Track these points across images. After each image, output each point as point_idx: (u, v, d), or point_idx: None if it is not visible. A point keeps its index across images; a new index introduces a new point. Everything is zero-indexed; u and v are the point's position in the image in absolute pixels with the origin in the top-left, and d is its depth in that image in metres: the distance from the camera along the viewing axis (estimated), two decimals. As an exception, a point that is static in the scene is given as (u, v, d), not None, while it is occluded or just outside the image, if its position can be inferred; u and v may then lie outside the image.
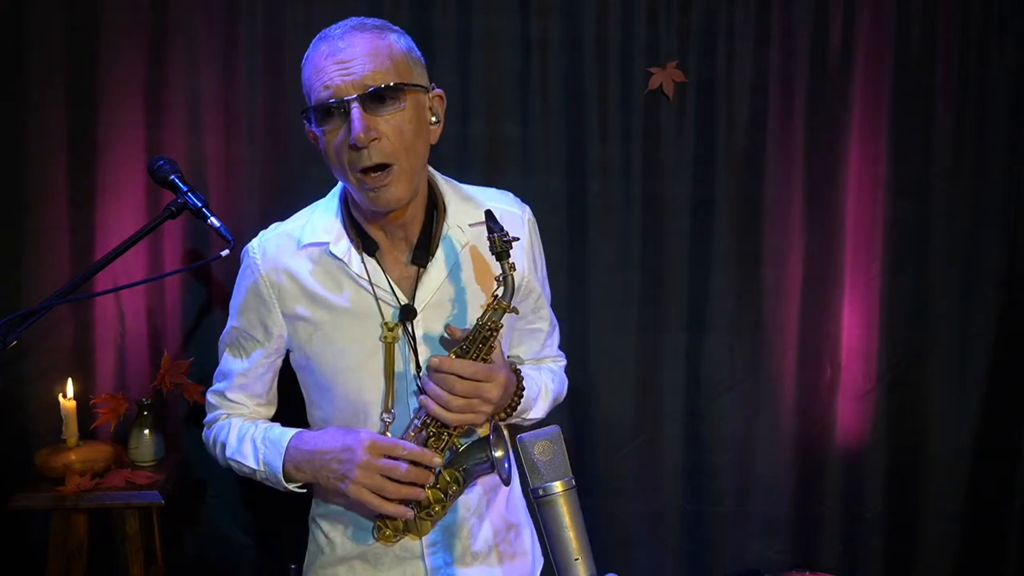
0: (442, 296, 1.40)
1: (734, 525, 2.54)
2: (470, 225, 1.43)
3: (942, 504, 2.59)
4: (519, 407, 1.41)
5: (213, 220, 1.53)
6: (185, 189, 1.56)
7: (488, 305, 1.32)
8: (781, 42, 2.43)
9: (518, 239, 1.31)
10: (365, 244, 1.40)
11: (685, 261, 2.46)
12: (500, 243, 1.27)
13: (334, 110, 1.29)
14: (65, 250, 2.25)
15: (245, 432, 1.49)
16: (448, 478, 1.37)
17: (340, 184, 1.46)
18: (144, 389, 2.27)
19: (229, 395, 1.55)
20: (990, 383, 2.57)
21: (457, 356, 1.32)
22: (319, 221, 1.45)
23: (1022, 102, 2.50)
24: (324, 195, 2.39)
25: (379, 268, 1.39)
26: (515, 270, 1.30)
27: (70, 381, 2.13)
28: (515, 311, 1.32)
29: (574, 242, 2.44)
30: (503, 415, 1.41)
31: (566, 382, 1.66)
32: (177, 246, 2.29)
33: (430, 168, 1.44)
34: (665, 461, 2.52)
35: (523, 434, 1.16)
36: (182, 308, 2.31)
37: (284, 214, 2.33)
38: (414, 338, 1.37)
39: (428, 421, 1.34)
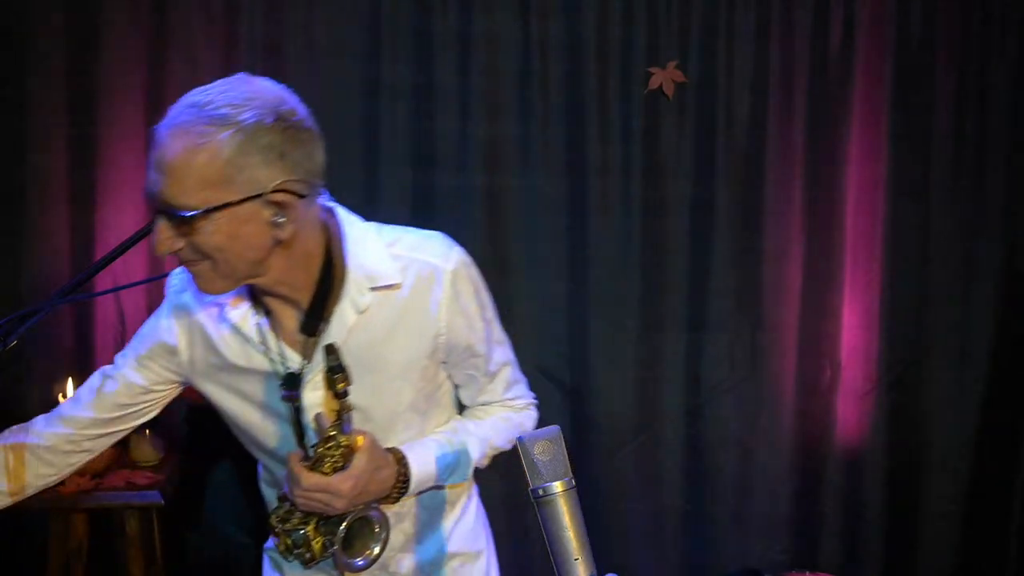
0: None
1: (734, 525, 2.55)
2: (372, 289, 1.31)
3: (942, 504, 2.59)
4: (409, 491, 1.37)
5: (213, 220, 1.53)
6: (185, 189, 1.55)
7: (331, 427, 1.28)
8: (781, 42, 2.43)
9: (351, 384, 1.26)
10: (261, 307, 1.33)
11: (685, 261, 2.47)
12: (334, 384, 1.25)
13: (149, 206, 1.19)
14: (65, 250, 2.25)
15: None
16: (316, 542, 1.32)
17: None
18: (144, 389, 2.27)
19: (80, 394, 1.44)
20: (990, 383, 2.57)
21: (314, 458, 1.29)
22: None
23: (1022, 102, 2.50)
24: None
25: (271, 333, 1.33)
26: (350, 410, 1.27)
27: (70, 381, 2.13)
28: (349, 441, 1.29)
29: (574, 242, 2.44)
30: (389, 502, 1.37)
31: (520, 424, 1.55)
32: (177, 246, 2.29)
33: (341, 217, 1.34)
34: (665, 461, 2.52)
35: (523, 434, 1.16)
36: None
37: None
38: (299, 407, 1.32)
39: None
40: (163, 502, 2.08)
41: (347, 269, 1.30)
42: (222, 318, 1.33)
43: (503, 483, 2.45)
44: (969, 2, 2.46)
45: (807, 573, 2.38)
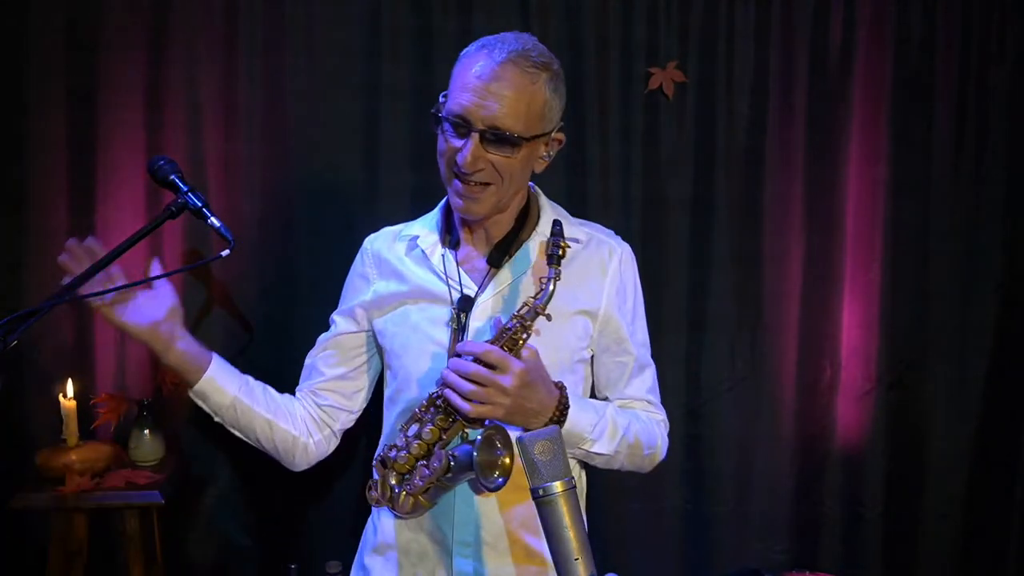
0: (508, 296, 1.48)
1: (734, 525, 2.54)
2: None
3: (942, 504, 2.59)
4: (566, 422, 1.39)
5: (213, 220, 1.53)
6: (185, 189, 1.56)
7: (524, 304, 1.38)
8: (781, 42, 2.43)
9: (569, 246, 1.42)
10: (451, 239, 1.53)
11: (685, 261, 2.46)
12: (552, 247, 1.39)
13: (458, 126, 1.39)
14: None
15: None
16: (446, 464, 1.34)
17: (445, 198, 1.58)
18: (144, 389, 2.27)
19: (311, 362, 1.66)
20: (990, 383, 2.57)
21: (502, 329, 1.39)
22: (422, 221, 1.62)
23: (1022, 102, 2.51)
24: (323, 196, 2.41)
25: (454, 261, 1.50)
26: (559, 278, 1.38)
27: (70, 381, 2.13)
28: (548, 316, 1.38)
29: (574, 242, 2.44)
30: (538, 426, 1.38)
31: (660, 436, 1.62)
32: (177, 246, 2.29)
33: (538, 189, 1.58)
34: (665, 461, 2.50)
35: (523, 434, 1.16)
36: (182, 308, 2.30)
37: (284, 214, 2.34)
38: (466, 327, 1.45)
39: (439, 399, 1.37)
40: (163, 502, 2.08)
41: (542, 213, 1.54)
42: (413, 246, 1.56)
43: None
44: (969, 2, 2.46)
45: (807, 573, 2.38)
